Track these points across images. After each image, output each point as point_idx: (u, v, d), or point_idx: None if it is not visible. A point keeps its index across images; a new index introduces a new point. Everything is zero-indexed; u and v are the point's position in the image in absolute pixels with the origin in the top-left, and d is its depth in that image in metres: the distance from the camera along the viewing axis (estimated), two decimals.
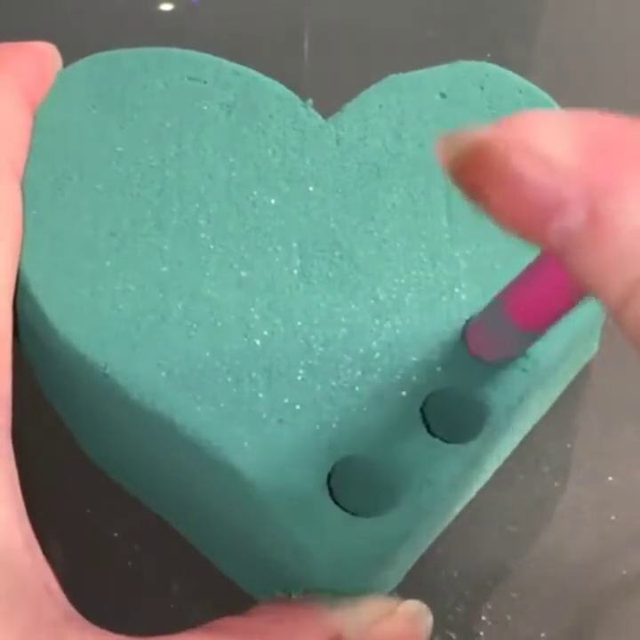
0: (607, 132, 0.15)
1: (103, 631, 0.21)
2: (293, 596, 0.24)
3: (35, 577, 0.21)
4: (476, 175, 0.16)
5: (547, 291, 0.20)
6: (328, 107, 0.27)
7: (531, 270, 0.21)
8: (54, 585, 0.22)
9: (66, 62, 0.27)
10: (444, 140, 0.16)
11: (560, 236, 0.15)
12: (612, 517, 0.28)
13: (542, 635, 0.27)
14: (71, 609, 0.22)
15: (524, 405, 0.24)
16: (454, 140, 0.16)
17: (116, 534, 0.29)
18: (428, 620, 0.24)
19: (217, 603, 0.27)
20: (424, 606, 0.24)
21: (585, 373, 0.30)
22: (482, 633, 0.27)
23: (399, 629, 0.24)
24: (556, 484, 0.29)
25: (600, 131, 0.15)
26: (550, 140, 0.15)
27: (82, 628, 0.21)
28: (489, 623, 0.27)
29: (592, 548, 0.28)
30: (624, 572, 0.28)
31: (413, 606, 0.24)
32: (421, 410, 0.23)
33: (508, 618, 0.27)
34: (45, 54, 0.27)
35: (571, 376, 0.29)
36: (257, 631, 0.22)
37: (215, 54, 0.28)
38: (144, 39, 0.28)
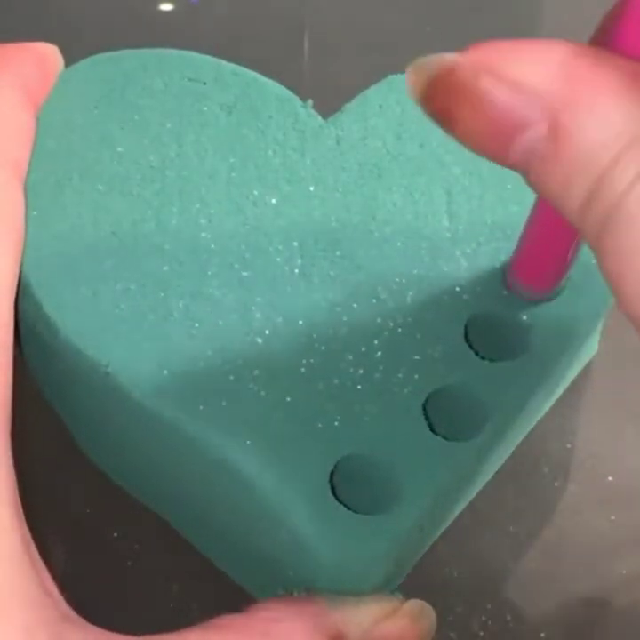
0: (571, 57, 0.16)
1: (103, 631, 0.22)
2: (295, 595, 0.24)
3: (33, 578, 0.21)
4: (446, 98, 0.17)
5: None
6: (328, 107, 0.27)
7: None
8: (52, 586, 0.22)
9: (65, 62, 0.27)
10: (415, 66, 0.17)
11: (524, 152, 0.16)
12: (612, 517, 0.28)
13: (542, 635, 0.27)
14: (69, 610, 0.22)
15: (525, 403, 0.24)
16: (424, 64, 0.17)
17: (115, 534, 0.29)
18: (432, 618, 0.24)
19: (217, 603, 0.27)
20: (427, 605, 0.24)
21: (585, 373, 0.30)
22: (482, 633, 0.27)
23: (402, 629, 0.23)
24: (556, 484, 0.29)
25: (565, 57, 0.16)
26: (516, 63, 0.16)
27: (82, 628, 0.21)
28: (489, 623, 0.27)
29: (592, 548, 0.28)
30: (624, 571, 0.28)
31: (416, 605, 0.24)
32: (423, 408, 0.23)
33: (508, 618, 0.27)
34: (47, 55, 0.27)
35: (572, 376, 0.29)
36: (256, 630, 0.22)
37: (215, 54, 0.28)
38: (144, 39, 0.28)
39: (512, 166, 0.17)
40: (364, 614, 0.23)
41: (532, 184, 0.17)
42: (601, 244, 0.16)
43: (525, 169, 0.17)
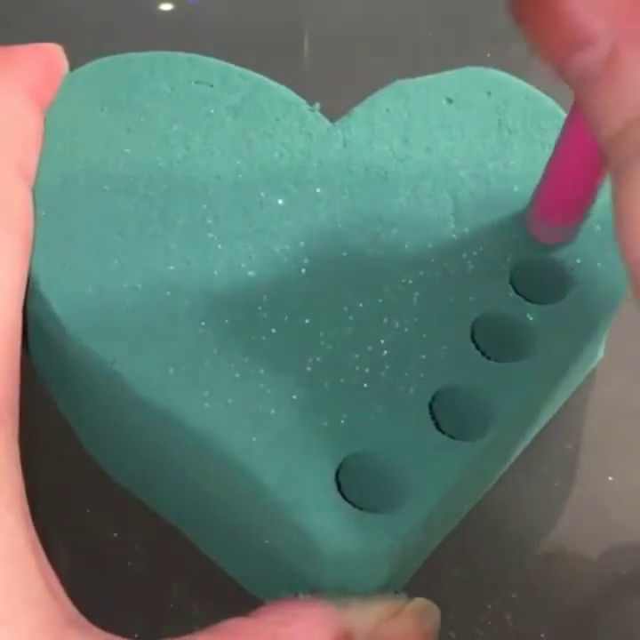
0: None
1: (109, 635, 0.22)
2: (300, 596, 0.24)
3: (40, 580, 0.21)
4: None
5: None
6: (335, 110, 0.27)
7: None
8: (59, 588, 0.22)
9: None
10: None
11: (580, 67, 0.17)
12: (612, 517, 0.29)
13: (542, 635, 0.27)
14: (75, 612, 0.22)
15: (531, 404, 0.24)
16: None
17: (115, 534, 0.29)
18: (436, 617, 0.24)
19: (218, 603, 0.27)
20: (431, 604, 0.24)
21: (588, 376, 0.30)
22: (482, 633, 0.27)
23: (407, 628, 0.24)
24: (556, 484, 0.29)
25: None
26: None
27: (87, 631, 0.21)
28: (489, 623, 0.27)
29: (592, 549, 0.28)
30: (624, 571, 0.28)
31: (421, 604, 0.24)
32: (430, 407, 0.23)
33: (508, 618, 0.27)
34: (53, 56, 0.27)
35: (577, 381, 0.29)
36: (265, 633, 0.22)
37: (215, 55, 0.28)
38: (144, 39, 0.28)
39: (566, 78, 0.18)
40: (369, 614, 0.23)
41: (579, 99, 0.18)
42: (622, 174, 0.17)
43: (577, 85, 0.18)
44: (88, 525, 0.29)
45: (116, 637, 0.22)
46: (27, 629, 0.20)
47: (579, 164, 0.23)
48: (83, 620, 0.22)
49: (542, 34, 0.18)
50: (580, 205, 0.25)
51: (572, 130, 0.23)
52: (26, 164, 0.25)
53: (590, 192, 0.24)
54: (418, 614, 0.24)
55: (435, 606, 0.24)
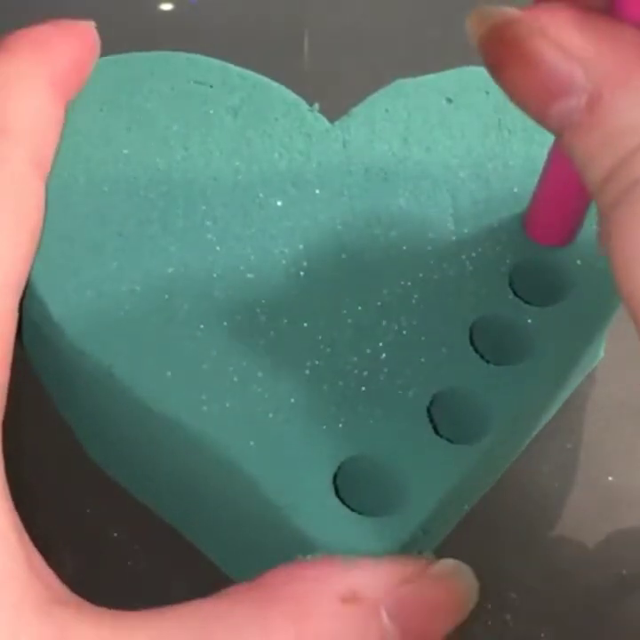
0: (625, 37, 0.17)
1: (102, 610, 0.21)
2: (309, 558, 0.22)
3: (22, 558, 0.20)
4: (501, 47, 0.18)
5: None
6: (335, 110, 0.27)
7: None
8: (45, 569, 0.21)
9: None
10: (477, 12, 0.18)
11: (562, 116, 0.17)
12: (612, 517, 0.29)
13: (542, 635, 0.27)
14: (67, 592, 0.21)
15: (530, 407, 0.24)
16: (487, 13, 0.18)
17: (115, 534, 0.29)
18: (469, 581, 0.22)
19: None
20: (464, 565, 0.22)
21: (588, 376, 0.30)
22: (482, 633, 0.27)
23: (432, 592, 0.21)
24: (556, 484, 0.29)
25: (619, 35, 0.17)
26: (572, 32, 0.17)
27: (77, 606, 0.21)
28: (489, 623, 0.27)
29: (592, 548, 0.28)
30: (624, 572, 0.28)
31: (448, 566, 0.21)
32: (428, 410, 0.23)
33: (508, 618, 0.27)
34: (86, 39, 0.26)
35: (576, 382, 0.29)
36: (266, 596, 0.21)
37: (215, 55, 0.28)
38: (144, 39, 0.28)
39: (547, 126, 0.18)
40: (382, 575, 0.21)
41: (562, 145, 0.18)
42: (612, 218, 0.17)
43: (559, 131, 0.18)
44: (88, 525, 0.29)
45: (115, 612, 0.21)
46: (8, 603, 0.19)
47: (565, 192, 0.23)
48: (80, 601, 0.21)
49: (519, 85, 0.17)
50: (568, 229, 0.25)
51: (556, 160, 0.23)
52: (41, 158, 0.24)
53: (578, 215, 0.24)
54: (445, 578, 0.21)
55: (468, 569, 0.22)
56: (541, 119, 0.18)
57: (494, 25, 0.18)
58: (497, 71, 0.18)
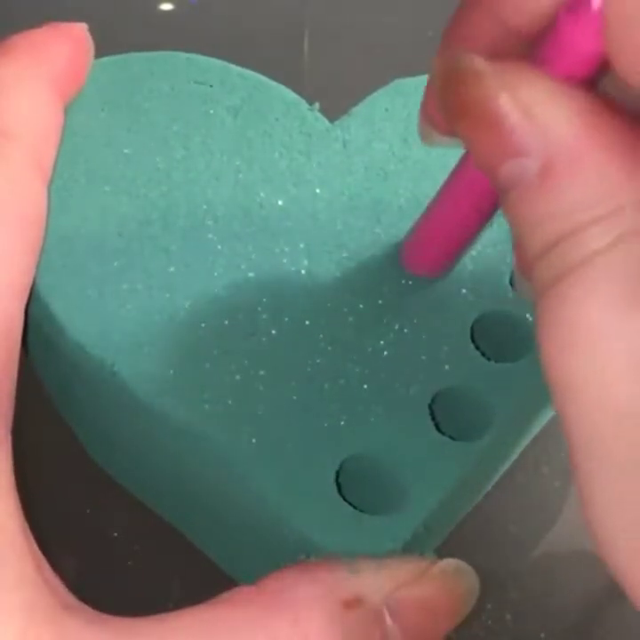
0: (589, 109, 0.16)
1: (105, 616, 0.21)
2: (311, 559, 0.22)
3: (31, 564, 0.20)
4: (463, 96, 0.17)
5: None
6: (335, 110, 0.27)
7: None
8: (52, 576, 0.22)
9: None
10: (444, 57, 0.17)
11: (512, 175, 0.16)
12: None
13: (542, 635, 0.27)
14: (73, 600, 0.21)
15: (531, 404, 0.24)
16: (453, 58, 0.17)
17: (115, 534, 0.29)
18: (470, 580, 0.22)
19: None
20: (465, 565, 0.22)
21: None
22: (482, 633, 0.27)
23: (434, 592, 0.21)
24: (556, 484, 0.29)
25: (583, 106, 0.16)
26: (540, 96, 0.16)
27: (83, 613, 0.21)
28: (489, 623, 0.27)
29: (592, 548, 0.28)
30: None
31: (451, 565, 0.22)
32: (429, 408, 0.23)
33: (508, 618, 0.27)
34: (81, 41, 0.25)
35: None
36: (266, 602, 0.21)
37: (215, 55, 0.28)
38: (144, 39, 0.28)
39: (494, 181, 0.17)
40: (385, 578, 0.21)
41: (503, 205, 0.17)
42: (549, 294, 0.16)
43: (505, 190, 0.17)
44: (88, 525, 0.29)
45: (113, 617, 0.21)
46: (18, 607, 0.20)
47: (455, 222, 0.23)
48: (83, 607, 0.21)
49: (475, 139, 0.17)
50: (444, 262, 0.25)
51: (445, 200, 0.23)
52: (42, 160, 0.24)
53: (459, 248, 0.24)
54: (447, 577, 0.21)
55: (470, 568, 0.22)
56: (491, 175, 0.17)
57: (460, 71, 0.17)
58: (454, 117, 0.17)
